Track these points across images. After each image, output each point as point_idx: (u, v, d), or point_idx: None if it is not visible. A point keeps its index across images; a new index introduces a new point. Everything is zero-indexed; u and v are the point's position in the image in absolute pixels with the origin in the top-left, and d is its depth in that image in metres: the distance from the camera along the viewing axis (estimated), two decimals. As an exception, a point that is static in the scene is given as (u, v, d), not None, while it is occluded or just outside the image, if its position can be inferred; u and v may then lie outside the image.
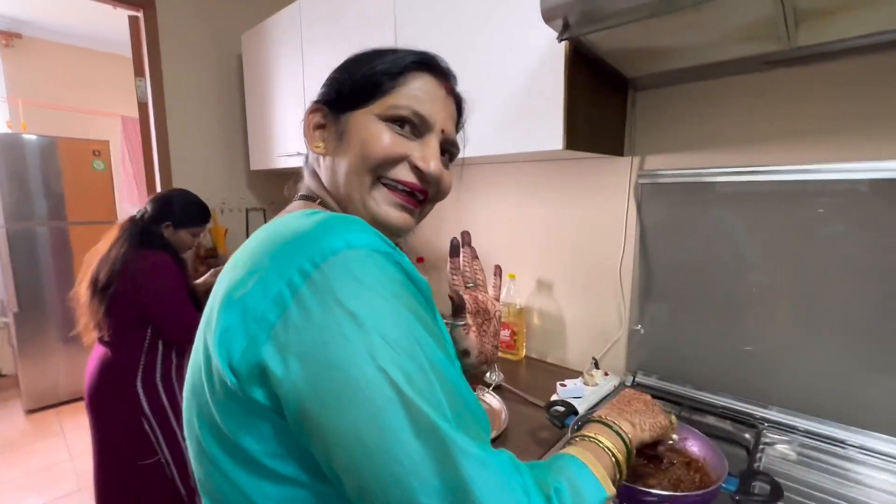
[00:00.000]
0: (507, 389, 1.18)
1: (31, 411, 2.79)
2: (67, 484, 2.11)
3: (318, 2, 1.52)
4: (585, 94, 0.96)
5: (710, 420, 1.01)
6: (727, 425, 0.99)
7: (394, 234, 0.52)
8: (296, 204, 0.55)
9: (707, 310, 1.07)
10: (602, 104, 1.05)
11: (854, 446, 0.88)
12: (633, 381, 1.20)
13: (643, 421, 0.60)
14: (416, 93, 0.50)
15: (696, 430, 0.80)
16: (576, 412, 0.91)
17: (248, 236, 2.35)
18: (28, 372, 2.78)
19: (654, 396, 0.93)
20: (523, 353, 1.44)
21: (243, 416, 0.37)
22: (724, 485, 0.67)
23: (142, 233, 1.37)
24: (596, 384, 1.13)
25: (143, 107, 1.91)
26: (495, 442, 0.93)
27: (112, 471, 1.36)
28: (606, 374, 1.20)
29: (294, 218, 0.41)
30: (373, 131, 0.48)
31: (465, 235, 0.67)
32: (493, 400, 1.08)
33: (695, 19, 0.70)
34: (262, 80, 1.87)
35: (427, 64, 0.51)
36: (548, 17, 0.75)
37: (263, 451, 0.37)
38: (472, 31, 1.07)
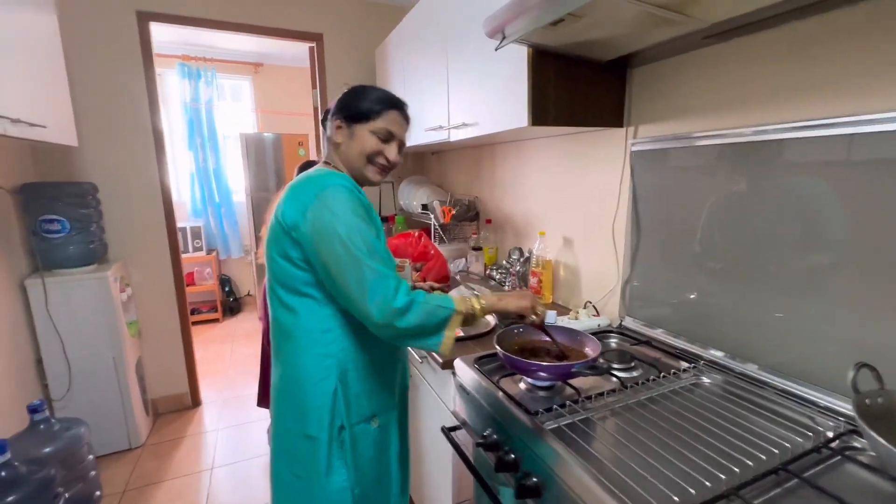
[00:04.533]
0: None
1: (261, 318, 4.21)
2: (274, 363, 3.25)
3: (409, 24, 2.01)
4: (556, 80, 1.21)
5: (669, 360, 1.16)
6: (671, 360, 1.14)
7: (373, 185, 1.00)
8: (320, 165, 1.04)
9: (693, 266, 1.18)
10: (583, 85, 1.26)
11: (775, 388, 0.96)
12: (620, 324, 1.38)
13: (509, 301, 0.95)
14: (388, 121, 0.97)
15: (591, 337, 1.04)
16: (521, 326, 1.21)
17: (380, 204, 3.16)
18: (260, 294, 4.19)
19: (637, 341, 1.21)
20: (550, 298, 1.71)
21: (289, 242, 0.86)
22: (577, 363, 0.93)
23: None
24: (577, 319, 1.37)
25: (316, 110, 2.75)
26: (477, 339, 1.31)
27: (264, 343, 2.19)
28: (598, 315, 1.41)
29: (317, 171, 0.91)
30: (369, 140, 0.96)
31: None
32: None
33: (585, 22, 0.93)
34: (384, 83, 2.48)
35: (395, 104, 0.98)
36: (490, 34, 1.07)
37: (296, 256, 0.87)
38: (481, 48, 1.40)
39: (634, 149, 1.30)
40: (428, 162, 2.90)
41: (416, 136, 2.08)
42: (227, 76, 4.29)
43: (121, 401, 2.14)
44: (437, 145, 2.22)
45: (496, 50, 1.09)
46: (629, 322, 1.37)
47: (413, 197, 2.51)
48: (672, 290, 1.22)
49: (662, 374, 1.04)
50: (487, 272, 2.04)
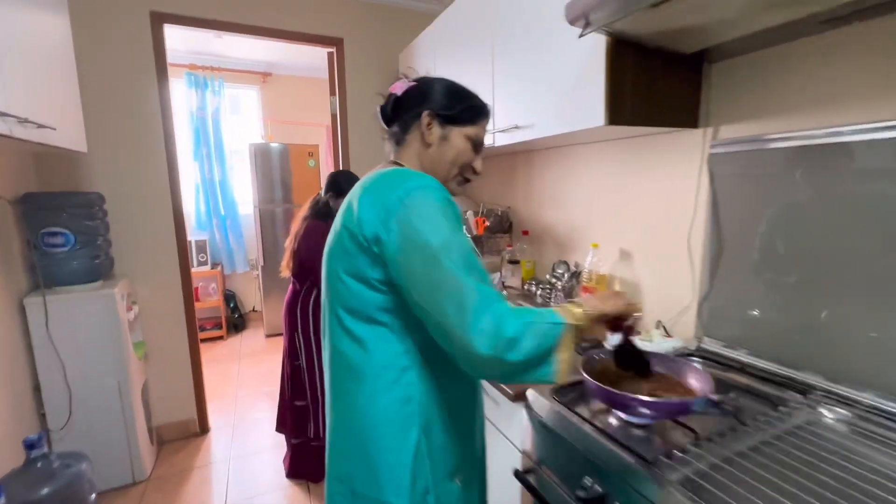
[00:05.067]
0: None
1: (268, 335, 4.02)
2: (284, 384, 3.06)
3: (445, 24, 1.91)
4: (634, 75, 1.09)
5: (768, 388, 1.02)
6: (773, 389, 0.99)
7: (454, 195, 0.85)
8: (388, 165, 0.86)
9: (779, 280, 1.06)
10: (661, 81, 1.14)
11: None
12: (698, 345, 1.24)
13: (606, 301, 0.76)
14: (483, 130, 0.85)
15: (695, 365, 0.90)
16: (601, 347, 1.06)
17: None
18: (267, 309, 4.01)
19: (717, 363, 1.06)
20: (604, 317, 1.56)
21: (367, 259, 0.70)
22: (695, 400, 0.79)
23: (316, 204, 1.97)
24: (651, 341, 1.23)
25: (333, 117, 2.63)
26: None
27: (284, 364, 2.03)
28: (670, 336, 1.27)
29: (397, 172, 0.75)
30: (463, 147, 0.83)
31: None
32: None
33: (692, 2, 0.81)
34: (410, 89, 2.36)
35: (489, 113, 0.86)
36: (571, 20, 0.94)
37: (375, 276, 0.71)
38: (543, 37, 1.29)
39: (714, 151, 1.18)
40: (450, 172, 2.78)
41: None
42: (234, 86, 4.19)
43: (125, 430, 1.96)
44: None
45: (580, 37, 0.97)
46: (708, 343, 1.22)
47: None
48: (758, 306, 1.08)
49: (779, 406, 0.89)
50: (526, 287, 1.90)
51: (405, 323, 0.72)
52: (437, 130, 0.82)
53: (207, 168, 3.98)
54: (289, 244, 1.99)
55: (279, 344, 3.91)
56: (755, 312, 1.10)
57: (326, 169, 4.31)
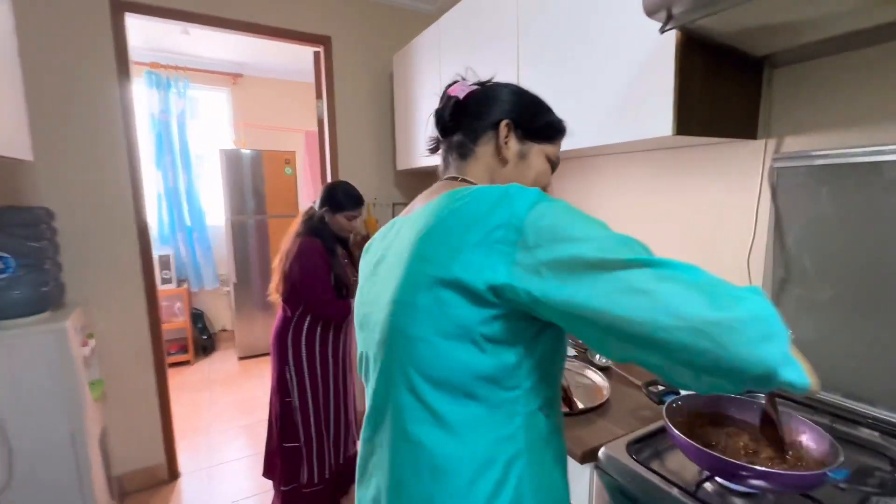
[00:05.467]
0: (613, 370, 1.21)
1: (241, 358, 3.70)
2: (262, 412, 2.77)
3: (455, 20, 1.74)
4: (702, 80, 0.96)
5: (864, 432, 0.91)
6: (879, 438, 0.88)
7: None
8: (450, 182, 0.67)
9: (861, 310, 0.95)
10: (725, 87, 1.01)
11: None
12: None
13: None
14: (558, 146, 0.72)
15: (809, 421, 0.76)
16: (676, 392, 0.92)
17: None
18: (240, 329, 3.69)
19: (798, 403, 0.92)
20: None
21: (483, 314, 0.50)
22: (830, 472, 0.65)
23: (309, 219, 1.74)
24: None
25: (321, 122, 2.41)
26: (596, 411, 1.00)
27: (272, 403, 1.79)
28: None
29: (481, 191, 0.54)
30: (544, 168, 0.70)
31: None
32: (595, 377, 1.14)
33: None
34: (408, 92, 2.18)
35: (566, 130, 0.73)
36: (650, 10, 0.80)
37: (494, 332, 0.51)
38: (586, 32, 1.14)
39: (779, 165, 1.06)
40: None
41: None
42: (202, 87, 3.86)
43: (79, 488, 1.65)
44: None
45: (661, 32, 0.83)
46: (773, 377, 1.10)
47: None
48: (828, 336, 0.97)
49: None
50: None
51: (514, 394, 0.54)
52: (514, 145, 0.66)
53: (171, 176, 3.64)
54: (278, 264, 1.75)
55: (254, 367, 3.63)
56: (827, 343, 0.99)
57: (305, 177, 4.04)
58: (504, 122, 0.65)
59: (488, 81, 0.70)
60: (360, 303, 0.68)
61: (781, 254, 1.08)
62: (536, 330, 0.53)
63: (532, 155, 0.68)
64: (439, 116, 0.69)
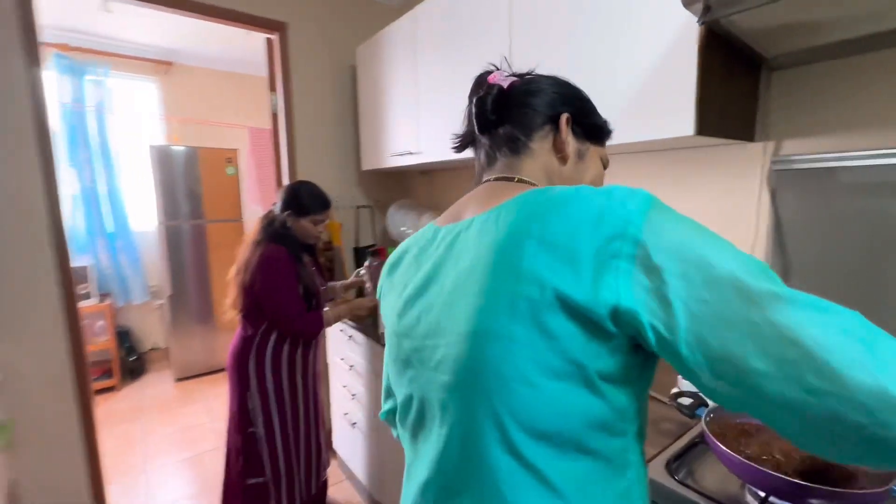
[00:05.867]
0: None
1: (178, 380, 3.30)
2: (207, 442, 2.47)
3: (433, 11, 1.63)
4: (718, 78, 0.93)
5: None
6: None
7: None
8: (508, 183, 0.56)
9: (861, 313, 0.97)
10: (733, 87, 1.00)
11: None
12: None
13: None
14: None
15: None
16: (706, 403, 0.88)
17: (357, 232, 2.46)
18: (176, 347, 3.29)
19: None
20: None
21: (596, 344, 0.40)
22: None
23: (270, 224, 1.54)
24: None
25: (275, 117, 2.19)
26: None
27: (230, 433, 1.58)
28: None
29: (578, 191, 0.44)
30: (600, 171, 0.63)
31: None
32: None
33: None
34: (375, 87, 2.04)
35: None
36: (687, 2, 0.75)
37: (613, 366, 0.41)
38: (595, 21, 1.09)
39: (777, 168, 1.07)
40: (413, 183, 2.48)
41: (437, 151, 1.69)
42: (125, 75, 3.41)
43: (-19, 559, 1.33)
44: (435, 164, 1.84)
45: (700, 24, 0.78)
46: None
47: (412, 225, 2.07)
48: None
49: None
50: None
51: (623, 441, 0.45)
52: (573, 143, 0.58)
53: (89, 175, 3.17)
54: (235, 276, 1.54)
55: (195, 389, 3.21)
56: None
57: (250, 178, 3.72)
58: (565, 116, 0.56)
59: (528, 73, 0.61)
60: (398, 333, 0.55)
61: (782, 256, 1.09)
62: (642, 361, 0.44)
63: (589, 156, 0.60)
64: (481, 108, 0.58)
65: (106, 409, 2.85)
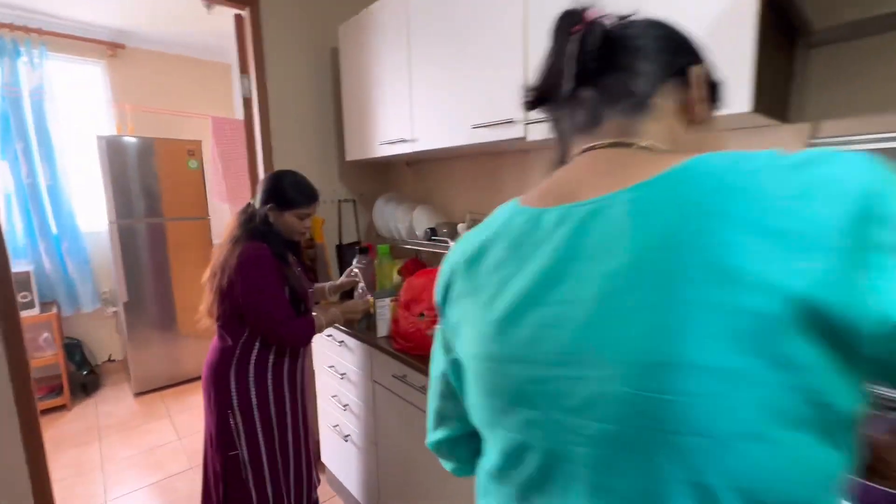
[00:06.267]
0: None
1: (139, 394, 3.01)
2: (177, 463, 2.24)
3: (427, -17, 1.49)
4: (769, 50, 0.86)
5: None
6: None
7: None
8: (631, 150, 0.43)
9: None
10: (777, 63, 0.93)
11: None
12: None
13: None
14: None
15: None
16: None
17: (340, 228, 2.27)
18: (135, 357, 2.99)
19: None
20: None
21: (853, 378, 0.30)
22: None
23: (249, 220, 1.37)
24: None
25: (247, 101, 1.98)
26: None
27: (208, 456, 1.41)
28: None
29: (810, 156, 0.31)
30: (720, 141, 0.50)
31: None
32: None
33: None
34: (361, 70, 1.87)
35: None
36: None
37: (851, 415, 0.31)
38: None
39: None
40: (397, 175, 2.33)
41: (433, 138, 1.55)
42: (67, 57, 3.05)
43: None
44: (425, 153, 1.71)
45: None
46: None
47: (403, 220, 1.93)
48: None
49: None
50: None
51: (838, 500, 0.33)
52: (704, 104, 0.46)
53: (26, 170, 2.82)
54: (210, 280, 1.35)
55: (157, 404, 2.87)
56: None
57: (214, 172, 3.43)
58: (700, 69, 0.44)
59: (629, 16, 0.48)
60: (500, 354, 0.40)
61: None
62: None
63: (713, 121, 0.48)
64: (582, 49, 0.43)
65: (56, 433, 2.54)
